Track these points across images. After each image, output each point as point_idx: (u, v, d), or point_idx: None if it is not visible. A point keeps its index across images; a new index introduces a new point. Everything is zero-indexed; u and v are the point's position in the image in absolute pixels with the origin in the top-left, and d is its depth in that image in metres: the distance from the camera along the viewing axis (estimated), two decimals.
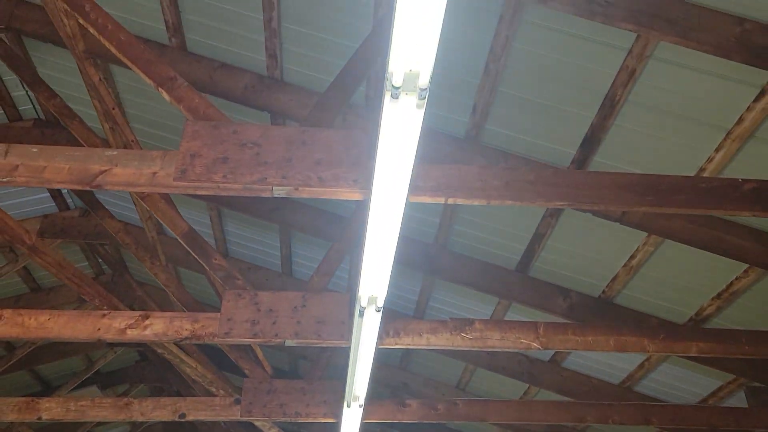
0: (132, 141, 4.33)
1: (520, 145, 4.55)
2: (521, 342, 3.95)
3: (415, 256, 5.81)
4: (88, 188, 2.69)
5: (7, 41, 5.28)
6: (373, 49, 3.60)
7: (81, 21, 3.05)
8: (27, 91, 6.00)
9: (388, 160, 2.47)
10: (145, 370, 9.98)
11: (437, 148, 4.68)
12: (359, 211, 4.44)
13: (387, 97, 2.09)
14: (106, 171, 2.68)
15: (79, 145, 5.07)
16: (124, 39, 3.00)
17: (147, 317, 3.80)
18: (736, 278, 4.72)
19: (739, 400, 5.88)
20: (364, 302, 3.36)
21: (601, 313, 5.53)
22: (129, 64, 2.96)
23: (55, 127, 6.05)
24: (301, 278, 7.29)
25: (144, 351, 9.79)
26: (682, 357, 5.65)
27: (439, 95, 4.38)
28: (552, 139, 4.42)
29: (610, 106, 3.94)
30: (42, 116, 6.32)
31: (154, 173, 2.72)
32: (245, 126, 2.83)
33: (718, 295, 4.93)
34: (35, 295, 7.94)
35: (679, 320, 5.38)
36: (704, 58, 3.43)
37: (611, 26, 3.38)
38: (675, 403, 5.77)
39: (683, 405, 5.26)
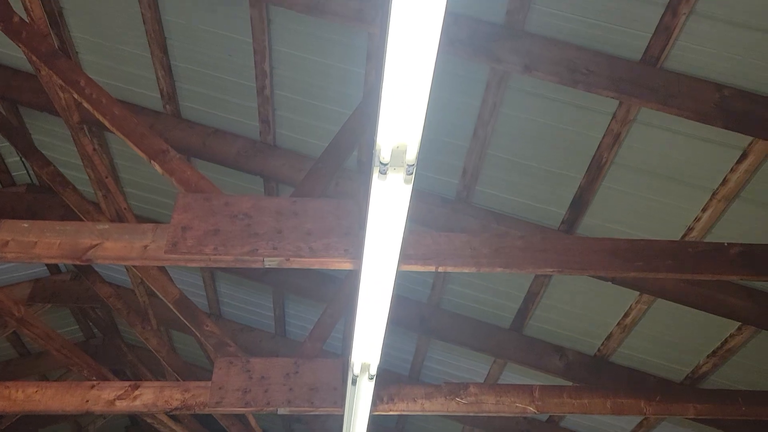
0: (125, 209, 4.35)
1: (511, 206, 4.59)
2: (516, 406, 3.90)
3: (410, 316, 5.78)
4: (78, 263, 2.70)
5: (2, 110, 5.37)
6: (365, 116, 3.67)
7: (76, 96, 3.12)
8: (21, 158, 6.06)
9: (377, 233, 2.49)
10: None
11: (428, 210, 4.73)
12: (352, 272, 4.44)
13: (375, 174, 2.12)
14: (97, 245, 2.69)
15: (72, 211, 5.10)
16: (118, 113, 3.06)
17: (137, 387, 3.75)
18: (731, 335, 4.71)
19: None
20: (357, 370, 3.33)
21: (598, 371, 5.48)
22: (122, 137, 3.01)
23: (47, 193, 6.08)
24: (295, 338, 7.22)
25: (135, 416, 9.59)
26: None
27: (430, 158, 4.45)
28: (542, 201, 4.47)
29: (597, 169, 4.00)
30: (35, 182, 6.36)
31: (146, 246, 2.73)
32: (237, 198, 2.86)
33: (714, 353, 4.91)
34: (24, 361, 7.81)
35: (676, 378, 5.34)
36: (687, 122, 3.52)
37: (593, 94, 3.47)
38: None
39: None
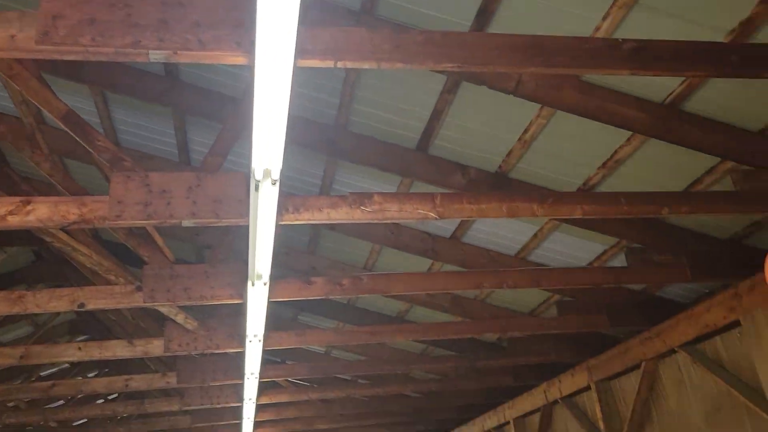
0: None
1: (416, 18, 4.45)
2: (419, 212, 4.05)
3: (316, 138, 5.74)
4: None
5: None
6: None
7: None
8: None
9: (270, 22, 2.34)
10: (42, 269, 9.61)
11: (331, 22, 4.51)
12: (251, 88, 4.27)
13: None
14: None
15: None
16: None
17: (29, 203, 3.59)
18: (620, 147, 4.99)
19: (620, 261, 6.41)
20: (258, 175, 3.30)
21: (498, 187, 5.74)
22: None
23: None
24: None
25: (39, 250, 9.39)
26: (571, 225, 6.03)
27: None
28: (446, 12, 4.35)
29: None
30: None
31: (13, 36, 2.46)
32: None
33: (603, 165, 5.22)
34: None
35: (569, 190, 5.68)
36: None
37: None
38: (563, 267, 6.21)
39: (569, 267, 5.66)
